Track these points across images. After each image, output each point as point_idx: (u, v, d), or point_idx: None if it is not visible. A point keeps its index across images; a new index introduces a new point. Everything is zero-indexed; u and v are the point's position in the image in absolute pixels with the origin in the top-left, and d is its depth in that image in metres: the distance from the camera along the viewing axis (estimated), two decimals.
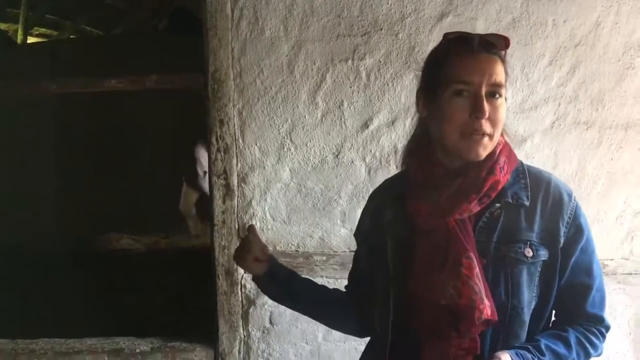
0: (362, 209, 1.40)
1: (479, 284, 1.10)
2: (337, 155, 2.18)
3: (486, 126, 1.11)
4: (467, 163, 1.16)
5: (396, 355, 1.20)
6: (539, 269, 1.16)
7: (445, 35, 1.20)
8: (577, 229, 1.20)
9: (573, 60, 2.12)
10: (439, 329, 1.13)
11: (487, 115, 1.10)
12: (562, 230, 1.18)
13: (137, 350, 2.27)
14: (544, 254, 1.16)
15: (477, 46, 1.13)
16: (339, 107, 2.16)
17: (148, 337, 2.36)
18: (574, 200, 1.21)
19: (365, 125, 2.16)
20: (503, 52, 1.17)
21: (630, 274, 2.20)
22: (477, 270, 1.11)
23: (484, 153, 1.13)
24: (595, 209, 2.17)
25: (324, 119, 2.17)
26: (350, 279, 1.47)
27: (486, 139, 1.12)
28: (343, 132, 2.17)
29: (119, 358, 2.27)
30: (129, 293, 4.14)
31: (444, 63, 1.16)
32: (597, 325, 1.22)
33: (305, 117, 2.17)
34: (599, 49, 2.12)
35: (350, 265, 1.46)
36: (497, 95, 1.13)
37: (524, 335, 1.16)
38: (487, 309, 1.09)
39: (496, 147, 1.17)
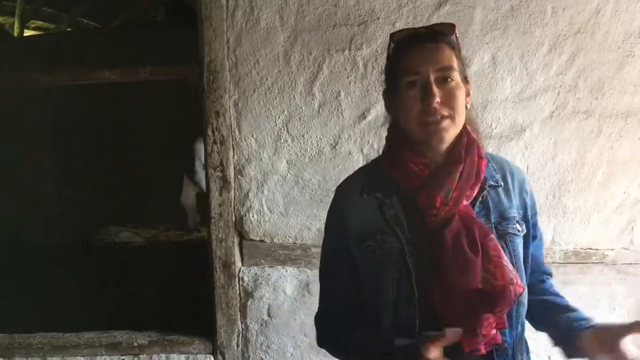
0: None
1: (509, 262, 1.15)
2: (334, 147, 2.16)
3: (442, 110, 1.15)
4: (454, 153, 1.19)
5: None
6: (523, 241, 1.25)
7: (391, 35, 1.25)
8: (533, 202, 1.31)
9: (572, 48, 2.10)
10: (474, 313, 1.13)
11: (437, 99, 1.14)
12: (528, 203, 1.29)
13: (135, 344, 2.27)
14: (524, 228, 1.25)
15: (423, 38, 1.19)
16: (336, 97, 2.14)
17: (146, 331, 2.36)
18: (526, 177, 1.33)
19: (363, 116, 2.14)
20: (452, 38, 1.22)
21: (631, 264, 2.19)
22: (502, 250, 1.15)
23: (447, 136, 1.17)
24: (595, 199, 2.15)
25: (320, 109, 2.15)
26: (331, 297, 1.31)
27: (446, 121, 1.15)
28: (340, 123, 2.15)
29: (116, 352, 2.26)
30: (127, 286, 4.14)
31: (396, 61, 1.22)
32: (549, 277, 1.38)
33: (302, 108, 2.15)
34: (599, 36, 2.09)
35: None
36: (449, 80, 1.16)
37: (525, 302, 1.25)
38: (521, 282, 1.14)
39: (472, 133, 1.23)
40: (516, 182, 1.27)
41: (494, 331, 1.14)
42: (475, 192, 1.19)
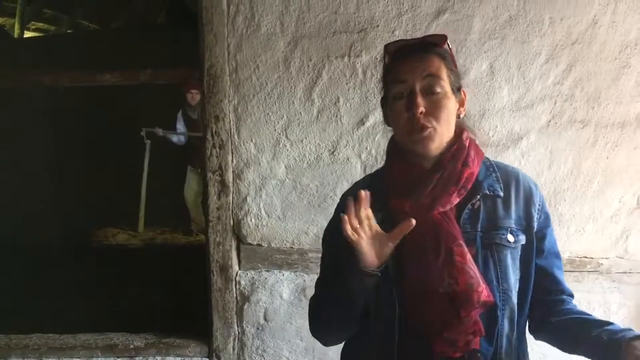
0: None
1: (474, 268, 1.15)
2: (332, 152, 2.17)
3: (426, 120, 1.18)
4: (440, 160, 1.22)
5: (404, 351, 1.21)
6: (520, 253, 1.25)
7: (386, 47, 1.28)
8: (546, 216, 1.30)
9: (569, 58, 2.12)
10: (441, 318, 1.16)
11: (421, 108, 1.17)
12: (535, 216, 1.27)
13: (131, 346, 2.27)
14: (522, 239, 1.25)
15: (413, 49, 1.22)
16: (335, 103, 2.15)
17: (142, 333, 2.37)
18: (539, 190, 1.32)
19: (361, 122, 2.15)
20: (443, 49, 1.24)
21: (625, 272, 2.20)
22: (469, 256, 1.16)
23: (432, 144, 1.19)
24: (590, 208, 2.17)
25: (319, 115, 2.16)
26: (324, 285, 1.35)
27: (429, 131, 1.18)
28: (339, 129, 2.16)
29: (112, 354, 2.26)
30: (124, 288, 4.14)
31: (389, 71, 1.26)
32: (571, 299, 1.33)
33: (301, 113, 2.16)
34: (596, 47, 2.11)
35: None
36: (436, 90, 1.19)
37: (515, 314, 1.24)
38: (485, 290, 1.14)
39: (464, 141, 1.24)
40: (521, 194, 1.27)
41: (469, 337, 1.16)
42: (455, 199, 1.20)
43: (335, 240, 1.26)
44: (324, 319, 1.31)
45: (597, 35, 2.11)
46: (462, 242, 1.17)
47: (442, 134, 1.20)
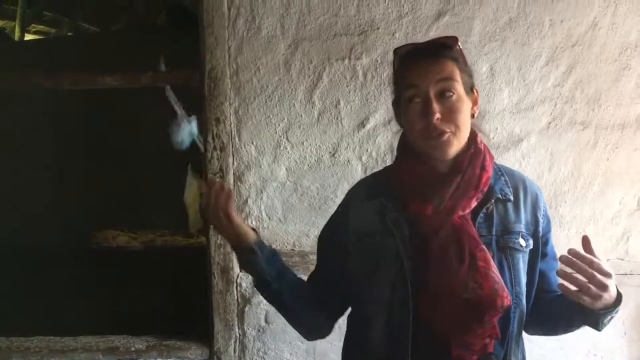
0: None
1: (497, 273, 1.15)
2: (333, 155, 2.18)
3: (444, 125, 1.16)
4: (457, 163, 1.21)
5: (417, 354, 1.20)
6: (528, 257, 1.25)
7: (395, 51, 1.27)
8: (548, 220, 1.31)
9: (570, 60, 2.12)
10: (461, 322, 1.15)
11: (437, 115, 1.15)
12: (541, 221, 1.28)
13: (132, 349, 2.27)
14: (531, 243, 1.26)
15: (424, 52, 1.21)
16: (336, 106, 2.16)
17: (143, 336, 2.36)
18: (542, 194, 1.33)
19: (362, 124, 2.16)
20: (454, 51, 1.23)
21: (626, 274, 2.20)
22: (492, 261, 1.16)
23: (451, 149, 1.18)
24: (590, 209, 2.17)
25: (320, 118, 2.17)
26: (324, 281, 1.37)
27: (447, 136, 1.17)
28: (339, 131, 2.17)
29: (114, 356, 2.26)
30: (125, 290, 4.14)
31: (399, 75, 1.25)
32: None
33: (301, 115, 2.17)
34: (596, 49, 2.12)
35: None
36: (451, 93, 1.17)
37: (523, 316, 1.25)
38: (509, 295, 1.14)
39: (479, 145, 1.24)
40: (529, 199, 1.27)
41: (486, 340, 1.16)
42: (474, 203, 1.20)
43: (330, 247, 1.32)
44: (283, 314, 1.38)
45: (597, 37, 2.12)
46: (484, 246, 1.16)
47: (460, 137, 1.18)
